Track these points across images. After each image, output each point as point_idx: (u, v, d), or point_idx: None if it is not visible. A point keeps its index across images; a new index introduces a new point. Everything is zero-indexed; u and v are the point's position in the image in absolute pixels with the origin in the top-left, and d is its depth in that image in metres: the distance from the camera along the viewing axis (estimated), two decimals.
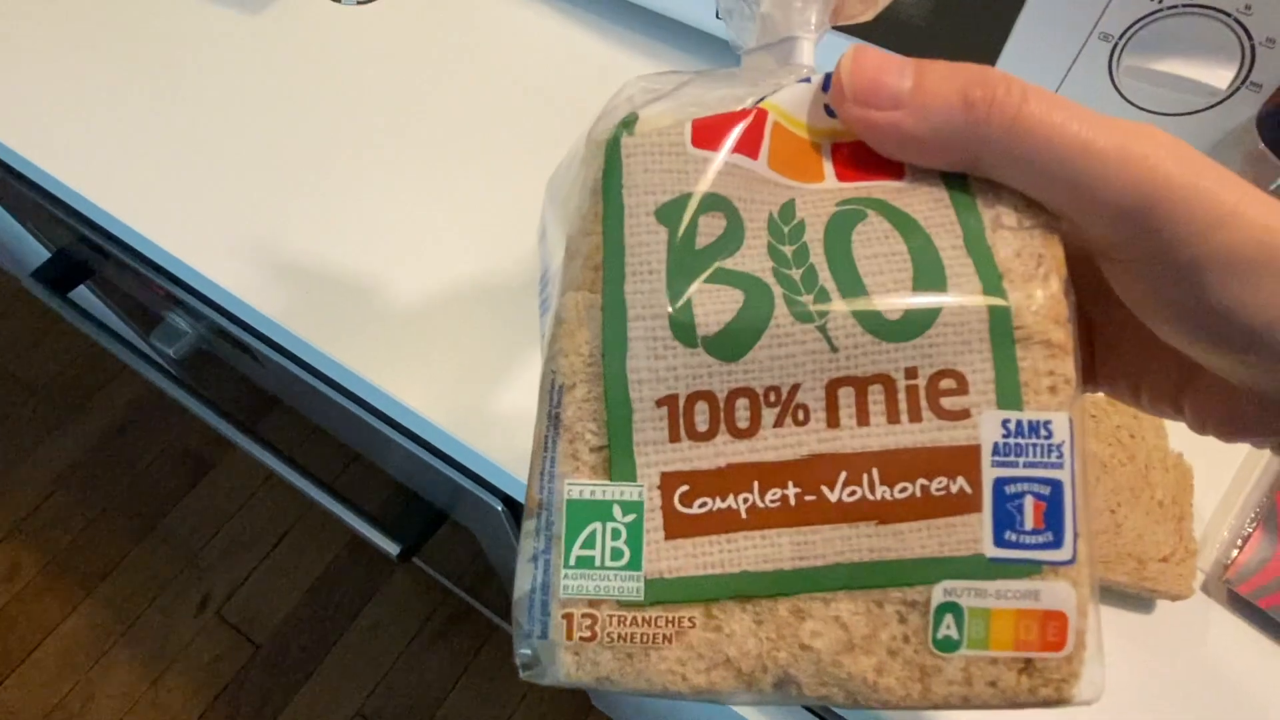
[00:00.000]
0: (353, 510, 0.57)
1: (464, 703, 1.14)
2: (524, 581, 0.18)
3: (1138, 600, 0.34)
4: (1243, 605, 0.34)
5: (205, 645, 1.17)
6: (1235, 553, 0.34)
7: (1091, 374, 0.22)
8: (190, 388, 0.59)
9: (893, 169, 0.18)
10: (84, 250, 0.60)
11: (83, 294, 0.84)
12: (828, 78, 0.18)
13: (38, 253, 0.80)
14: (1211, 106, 0.36)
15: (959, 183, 0.18)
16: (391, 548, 0.56)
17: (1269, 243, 0.15)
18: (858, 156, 0.18)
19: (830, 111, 0.18)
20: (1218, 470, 0.37)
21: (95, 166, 0.47)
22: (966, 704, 0.16)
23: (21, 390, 1.37)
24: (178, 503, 1.27)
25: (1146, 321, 0.18)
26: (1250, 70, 0.34)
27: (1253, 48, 0.34)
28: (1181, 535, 0.33)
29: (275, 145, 0.48)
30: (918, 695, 0.16)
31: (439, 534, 0.62)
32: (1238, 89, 0.35)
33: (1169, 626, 0.34)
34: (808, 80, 0.19)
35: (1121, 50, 0.36)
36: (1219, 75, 0.35)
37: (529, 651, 0.18)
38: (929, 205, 0.17)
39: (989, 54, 0.40)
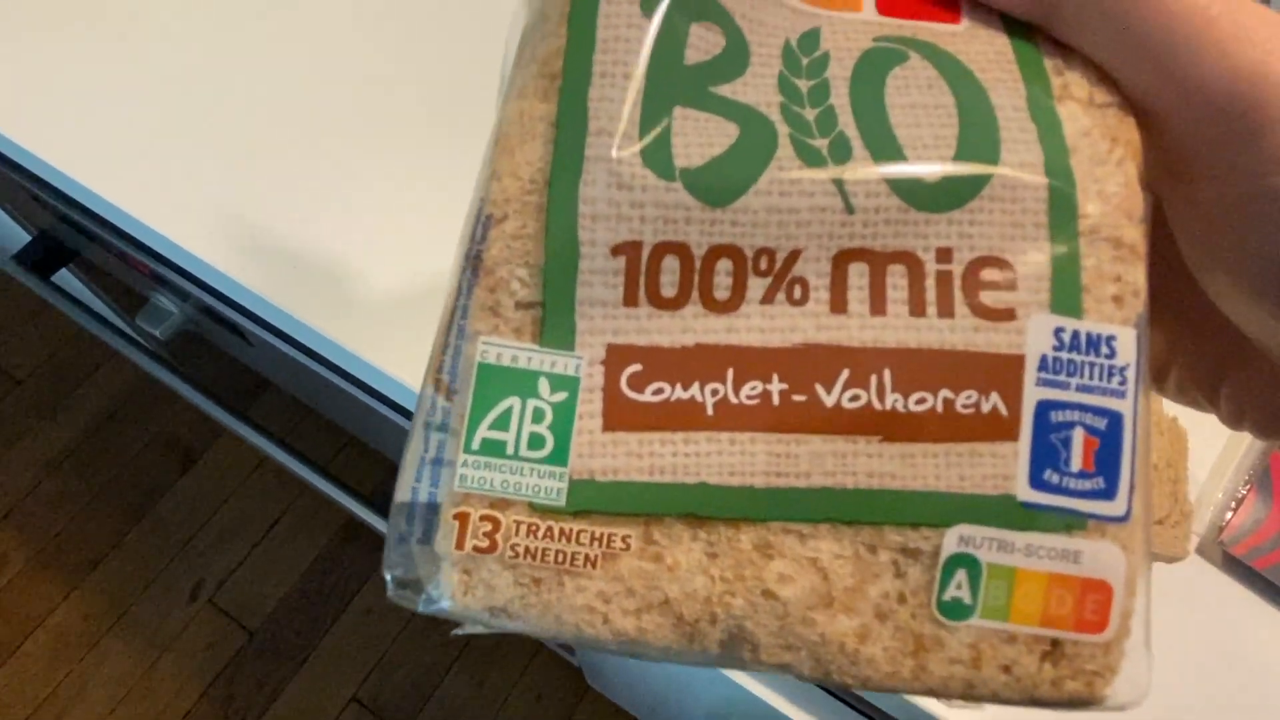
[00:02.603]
0: (346, 492, 0.57)
1: (460, 686, 1.14)
2: (408, 475, 0.14)
3: None
4: (1237, 566, 0.34)
5: (198, 633, 1.17)
6: (1230, 515, 0.34)
7: None
8: (178, 370, 0.59)
9: (949, 10, 0.15)
10: (66, 231, 0.59)
11: (65, 278, 0.83)
12: None
13: (18, 236, 0.78)
14: None
15: (1025, 37, 0.14)
16: (385, 527, 0.55)
17: None
18: None
19: None
20: (1212, 433, 0.37)
21: (75, 144, 0.46)
22: (970, 692, 0.13)
23: (5, 378, 1.35)
24: (168, 490, 1.26)
25: (1199, 274, 0.15)
26: None
27: None
28: (1177, 498, 0.33)
29: (259, 119, 0.47)
30: (908, 674, 0.13)
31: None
32: None
33: (1165, 588, 0.34)
34: None
35: None
36: None
37: (402, 567, 0.13)
38: (988, 56, 0.14)
39: None
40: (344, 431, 1.21)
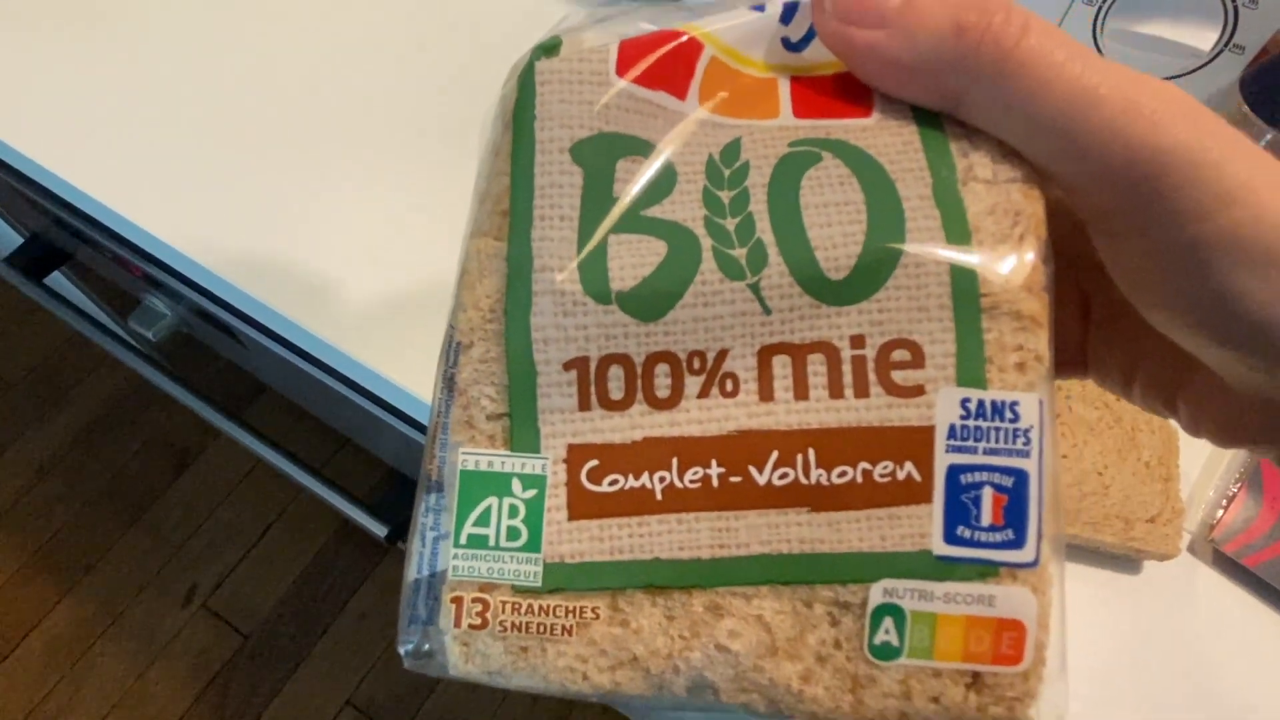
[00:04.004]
0: (340, 494, 0.57)
1: (454, 690, 1.14)
2: (414, 563, 0.16)
3: (1125, 560, 0.34)
4: (1228, 564, 0.34)
5: (192, 637, 1.16)
6: (1221, 512, 0.35)
7: (1082, 358, 0.19)
8: (172, 373, 0.59)
9: (860, 107, 0.16)
10: (59, 234, 0.59)
11: (58, 280, 0.83)
12: (788, 8, 0.16)
13: (10, 238, 0.78)
14: (1196, 69, 0.36)
15: (933, 124, 0.15)
16: (379, 529, 0.55)
17: None
18: (820, 92, 0.16)
19: (788, 45, 0.16)
20: None
21: (69, 147, 0.46)
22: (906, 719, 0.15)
23: None
24: (162, 494, 1.26)
25: (1138, 306, 0.16)
26: (1233, 33, 0.34)
27: (1235, 10, 0.34)
28: (1168, 495, 0.34)
29: (252, 121, 0.47)
30: (848, 708, 0.15)
31: None
32: (1221, 51, 0.35)
33: (1156, 586, 0.34)
34: (760, 9, 0.16)
35: (1106, 13, 0.36)
36: (1202, 37, 0.35)
37: (413, 640, 0.16)
38: (897, 147, 0.15)
39: None
40: (339, 435, 1.20)
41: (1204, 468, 0.36)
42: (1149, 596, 0.34)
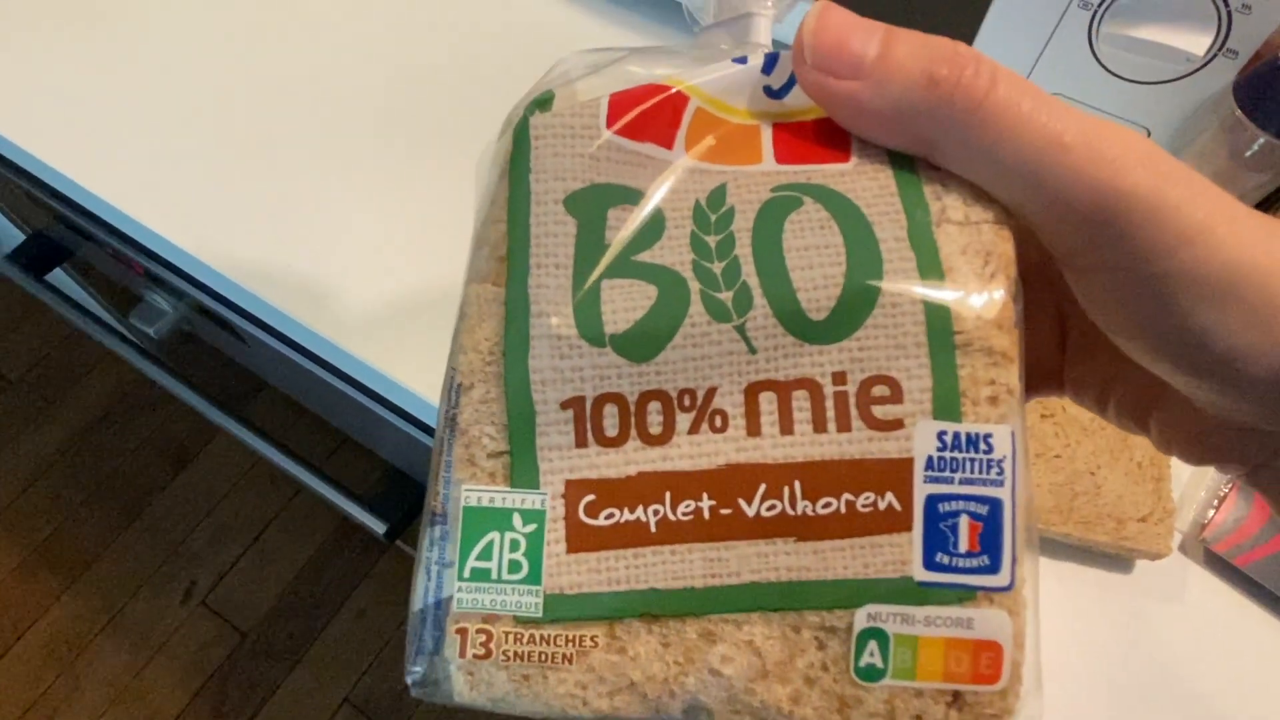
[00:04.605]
0: (339, 490, 0.57)
1: None
2: (419, 593, 0.17)
3: (1117, 559, 0.35)
4: (1219, 563, 0.35)
5: (191, 634, 1.17)
6: (1212, 512, 0.35)
7: (1059, 377, 0.20)
8: (172, 370, 0.59)
9: (838, 152, 0.17)
10: (61, 231, 0.60)
11: (59, 277, 0.83)
12: (769, 59, 0.17)
13: (12, 235, 0.78)
14: (1189, 74, 0.37)
15: (908, 168, 0.16)
16: (378, 526, 0.56)
17: (1237, 266, 0.14)
18: (801, 138, 0.17)
19: (770, 92, 0.17)
20: None
21: (71, 143, 0.46)
22: None
23: None
24: (161, 491, 1.26)
25: (1109, 334, 0.16)
26: (1227, 37, 0.35)
27: (1229, 14, 0.34)
28: (1160, 495, 0.34)
29: (255, 118, 0.47)
30: None
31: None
32: (1214, 56, 0.35)
33: (1148, 585, 0.34)
34: (743, 61, 0.17)
35: (1101, 18, 0.37)
36: (1196, 42, 0.35)
37: (420, 669, 0.17)
38: (874, 192, 0.16)
39: (971, 22, 0.40)
40: (338, 432, 1.21)
41: (1195, 469, 0.37)
42: (1140, 595, 0.34)
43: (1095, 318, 0.16)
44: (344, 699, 1.13)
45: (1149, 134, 0.40)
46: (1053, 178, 0.15)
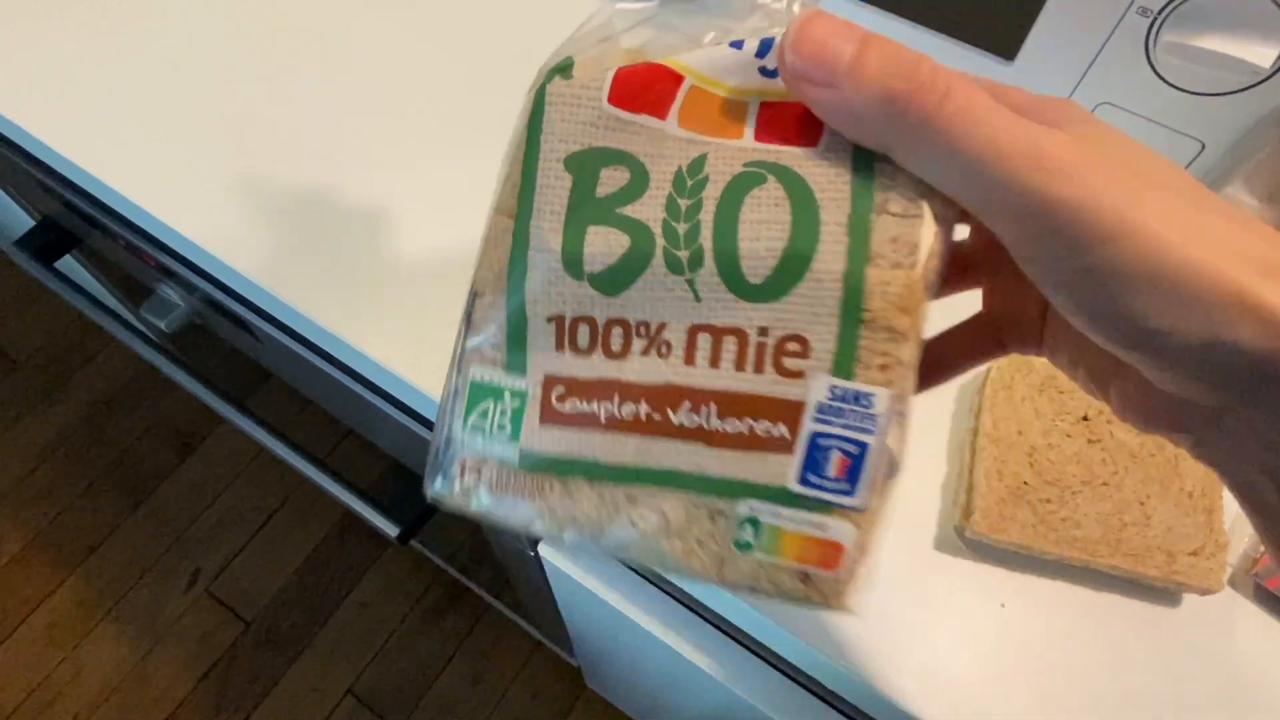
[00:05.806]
0: (347, 488, 0.56)
1: (456, 682, 1.13)
2: (439, 428, 0.22)
3: (1164, 593, 0.33)
4: (1270, 600, 0.33)
5: (194, 622, 1.16)
6: (1263, 547, 0.33)
7: (1039, 338, 0.23)
8: (181, 362, 0.58)
9: (810, 135, 0.19)
10: (71, 218, 0.58)
11: (69, 264, 0.82)
12: (764, 43, 0.19)
13: (21, 221, 0.77)
14: (1252, 86, 0.35)
15: (866, 159, 0.19)
16: (391, 529, 0.54)
17: (1158, 259, 0.16)
18: (780, 118, 0.20)
19: (765, 73, 0.19)
20: None
21: (85, 132, 0.45)
22: (754, 591, 0.20)
23: (4, 362, 1.34)
24: (167, 478, 1.26)
25: (1058, 309, 0.18)
26: None
27: None
28: (1212, 528, 0.33)
29: (271, 111, 0.46)
30: (715, 576, 0.20)
31: (437, 514, 0.61)
32: None
33: (1195, 620, 0.33)
34: (739, 45, 0.20)
35: (1160, 25, 0.35)
36: (1262, 54, 0.34)
37: (434, 484, 0.22)
38: (829, 178, 0.19)
39: (1019, 30, 0.39)
40: (342, 425, 1.20)
41: None
42: (1187, 630, 0.33)
43: (1046, 296, 0.18)
44: (347, 690, 1.13)
45: (1202, 148, 0.39)
46: (993, 182, 0.17)
